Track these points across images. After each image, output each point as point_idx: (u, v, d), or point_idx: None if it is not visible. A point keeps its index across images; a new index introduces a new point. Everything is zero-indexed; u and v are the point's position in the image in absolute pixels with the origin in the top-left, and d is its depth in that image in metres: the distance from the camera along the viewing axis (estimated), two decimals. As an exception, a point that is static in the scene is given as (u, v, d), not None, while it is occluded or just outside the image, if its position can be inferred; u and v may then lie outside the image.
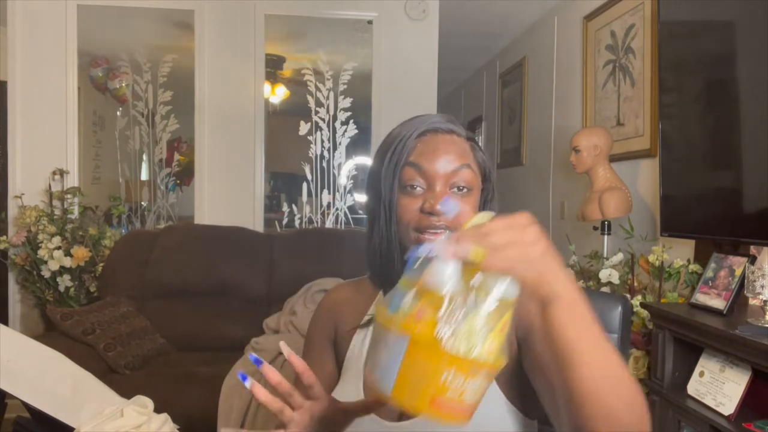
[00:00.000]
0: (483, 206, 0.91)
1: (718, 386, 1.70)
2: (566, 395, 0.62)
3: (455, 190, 0.85)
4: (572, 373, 0.60)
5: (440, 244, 0.56)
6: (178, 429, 0.93)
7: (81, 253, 3.04)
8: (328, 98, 3.55)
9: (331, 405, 0.79)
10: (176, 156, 3.56)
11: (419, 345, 0.54)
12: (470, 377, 0.54)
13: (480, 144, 0.93)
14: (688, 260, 2.19)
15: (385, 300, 0.60)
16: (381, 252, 0.89)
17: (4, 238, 3.10)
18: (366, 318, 0.96)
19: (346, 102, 3.56)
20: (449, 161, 0.85)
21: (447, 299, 0.55)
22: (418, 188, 0.85)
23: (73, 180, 3.36)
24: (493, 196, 0.93)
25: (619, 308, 0.90)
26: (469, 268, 0.56)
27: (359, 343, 0.94)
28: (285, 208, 3.65)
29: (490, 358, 0.54)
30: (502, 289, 0.56)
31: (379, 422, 0.86)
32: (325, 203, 3.58)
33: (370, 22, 3.57)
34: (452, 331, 0.53)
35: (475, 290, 0.55)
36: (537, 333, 0.79)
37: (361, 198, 3.67)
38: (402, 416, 0.86)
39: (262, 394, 0.74)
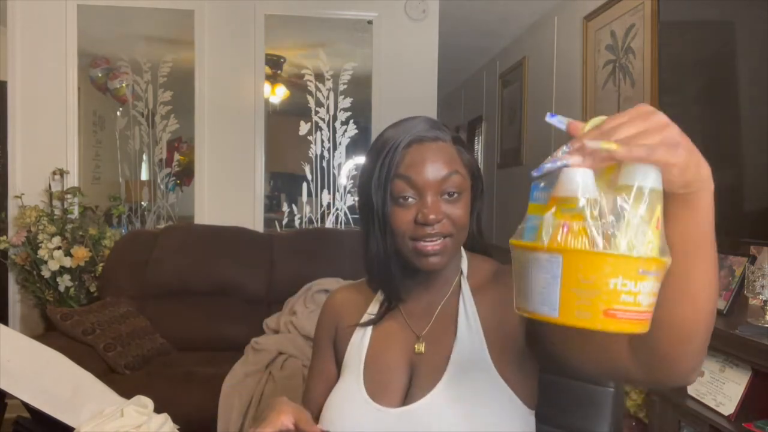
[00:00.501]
0: (472, 204, 0.93)
1: (718, 386, 1.71)
2: (682, 288, 0.60)
3: (446, 196, 0.86)
4: (701, 264, 0.59)
5: (565, 153, 0.53)
6: (178, 429, 0.93)
7: (81, 253, 3.04)
8: (328, 98, 3.55)
9: None
10: (176, 156, 3.56)
11: (576, 257, 0.50)
12: (640, 278, 0.50)
13: (467, 141, 0.94)
14: (688, 260, 2.19)
15: (518, 232, 0.56)
16: (378, 262, 0.91)
17: (4, 238, 3.10)
18: (366, 317, 0.98)
19: (346, 102, 3.56)
20: (438, 170, 0.85)
21: (590, 204, 0.51)
22: (410, 199, 0.86)
23: (73, 180, 3.36)
24: (482, 193, 0.95)
25: None
26: (603, 170, 0.52)
27: (358, 340, 0.96)
28: (285, 208, 3.65)
29: (655, 253, 0.51)
30: (650, 179, 0.52)
31: (381, 410, 0.88)
32: (325, 203, 3.58)
33: (370, 22, 3.56)
34: (604, 233, 0.50)
35: (618, 188, 0.52)
36: None
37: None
38: (404, 401, 0.88)
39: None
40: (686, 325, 0.63)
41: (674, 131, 0.53)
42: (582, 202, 0.51)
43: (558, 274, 0.51)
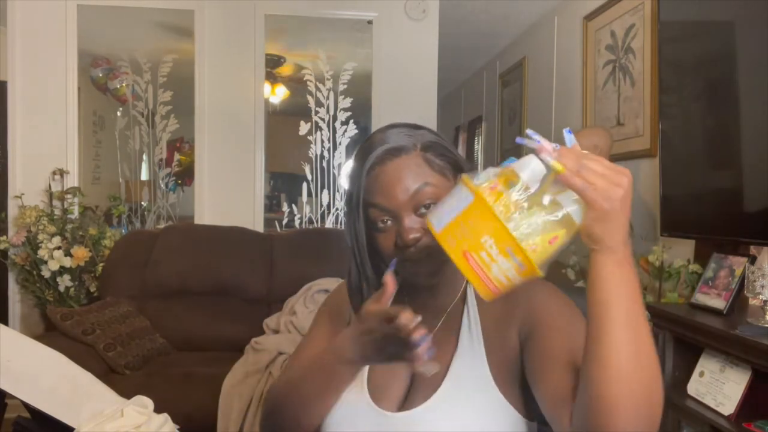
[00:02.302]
0: None
1: (718, 386, 1.70)
2: (592, 352, 0.65)
3: (423, 209, 0.83)
4: (604, 328, 0.63)
5: (544, 142, 0.63)
6: (178, 429, 0.93)
7: (81, 253, 3.04)
8: (328, 98, 3.55)
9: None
10: (177, 156, 3.56)
11: (478, 205, 0.62)
12: (503, 254, 0.61)
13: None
14: (688, 260, 2.19)
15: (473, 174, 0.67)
16: (354, 286, 0.91)
17: (4, 238, 3.10)
18: None
19: (346, 102, 3.56)
20: (405, 188, 0.82)
21: (521, 183, 0.62)
22: (389, 222, 0.85)
23: (73, 180, 3.36)
24: None
25: None
26: (556, 176, 0.61)
27: None
28: (285, 208, 3.65)
29: (527, 249, 0.60)
30: (571, 207, 0.62)
31: (379, 412, 0.87)
32: (325, 203, 3.58)
33: (370, 22, 3.56)
34: (510, 207, 0.61)
35: (549, 194, 0.62)
36: (543, 328, 0.81)
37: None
38: (402, 406, 0.88)
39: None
40: (602, 392, 0.63)
41: (620, 192, 0.62)
42: (518, 181, 0.62)
43: (460, 208, 0.64)
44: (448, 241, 0.64)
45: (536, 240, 0.60)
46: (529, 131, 0.65)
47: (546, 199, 0.62)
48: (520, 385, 0.86)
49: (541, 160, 0.62)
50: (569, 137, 0.67)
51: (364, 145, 0.88)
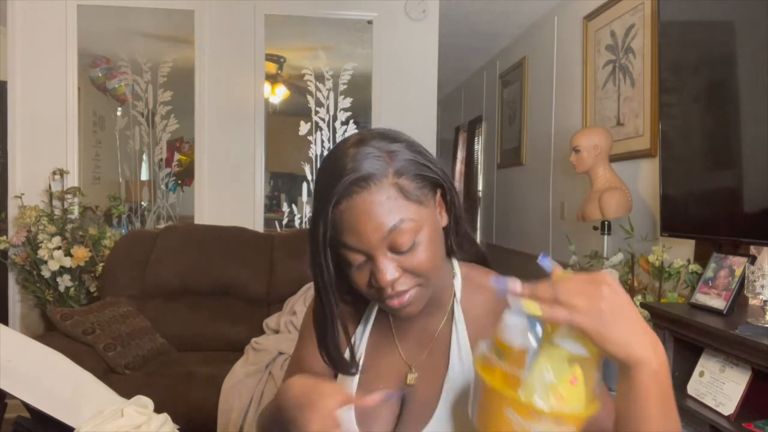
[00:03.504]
0: (453, 226, 0.83)
1: (718, 386, 1.70)
2: None
3: (402, 249, 0.73)
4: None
5: (556, 267, 0.63)
6: (178, 429, 0.93)
7: (81, 253, 3.04)
8: (328, 98, 3.55)
9: None
10: (177, 156, 3.56)
11: (487, 388, 0.62)
12: (532, 419, 0.59)
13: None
14: (688, 260, 2.19)
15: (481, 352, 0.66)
16: (319, 325, 0.84)
17: (4, 238, 3.10)
18: (365, 315, 0.93)
19: (346, 102, 3.56)
20: (378, 226, 0.72)
21: (514, 348, 0.61)
22: (362, 259, 0.75)
23: (73, 180, 3.36)
24: (455, 203, 0.82)
25: None
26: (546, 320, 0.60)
27: (359, 338, 0.91)
28: (285, 208, 3.65)
29: (549, 406, 0.58)
30: (569, 342, 0.60)
31: None
32: (325, 203, 3.58)
33: (370, 22, 3.56)
34: (512, 376, 0.60)
35: (544, 342, 0.60)
36: None
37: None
38: None
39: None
40: None
41: (609, 305, 0.57)
42: (509, 349, 0.61)
43: (479, 392, 0.64)
44: (484, 427, 0.63)
45: (556, 390, 0.59)
46: (541, 258, 0.63)
47: (538, 350, 0.60)
48: None
49: (517, 306, 0.61)
50: (546, 263, 0.64)
51: (328, 166, 0.75)
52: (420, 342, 0.86)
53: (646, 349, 0.59)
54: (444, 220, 0.81)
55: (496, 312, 0.78)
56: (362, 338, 0.90)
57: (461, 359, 0.82)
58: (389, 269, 0.74)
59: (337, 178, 0.72)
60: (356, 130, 3.56)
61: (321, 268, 0.77)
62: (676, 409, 0.62)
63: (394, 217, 0.72)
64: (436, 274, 0.78)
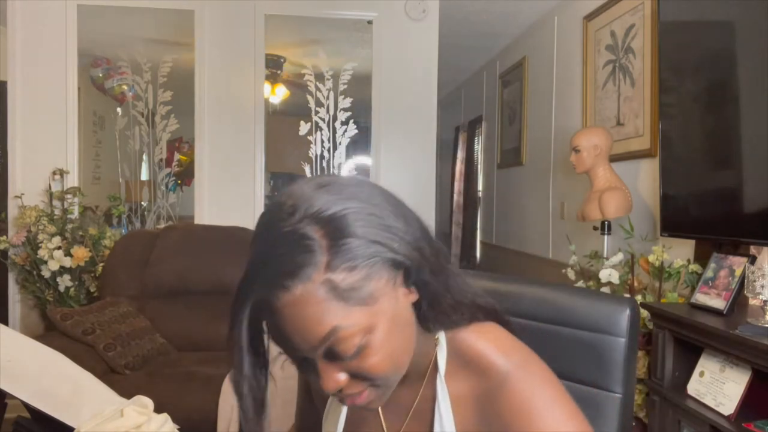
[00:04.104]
0: (427, 305, 0.66)
1: (718, 386, 1.70)
2: None
3: (344, 356, 0.59)
4: None
5: None
6: (178, 429, 0.93)
7: (81, 253, 3.04)
8: (328, 98, 3.55)
9: None
10: (177, 156, 3.56)
11: None
12: None
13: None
14: (688, 260, 2.19)
15: None
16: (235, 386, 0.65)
17: (4, 238, 3.10)
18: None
19: (346, 102, 3.56)
20: (304, 340, 0.58)
21: None
22: (301, 358, 0.63)
23: (73, 180, 3.36)
24: (434, 270, 0.64)
25: (627, 312, 0.87)
26: None
27: (333, 419, 0.83)
28: (285, 208, 3.64)
29: None
30: None
31: None
32: (325, 203, 3.57)
33: (370, 22, 3.57)
34: None
35: None
36: None
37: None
38: None
39: None
40: None
41: None
42: None
43: None
44: None
45: None
46: None
47: None
48: None
49: None
50: None
51: (255, 241, 0.61)
52: (401, 411, 0.74)
53: None
54: (413, 297, 0.64)
55: (487, 397, 0.67)
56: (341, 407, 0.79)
57: None
58: (331, 377, 0.60)
59: (258, 266, 0.59)
60: (356, 130, 3.56)
61: (236, 322, 0.60)
62: None
63: (326, 326, 0.57)
64: (397, 371, 0.64)
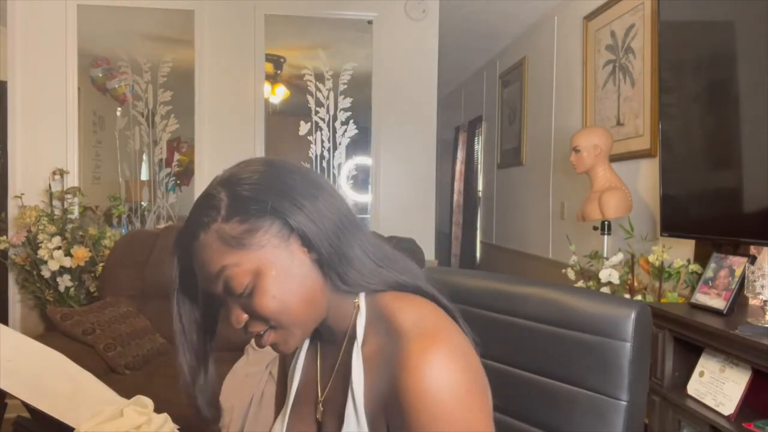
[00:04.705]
0: (327, 260, 0.73)
1: (718, 386, 1.70)
2: None
3: (240, 299, 0.72)
4: None
5: None
6: (178, 429, 0.93)
7: (81, 253, 3.04)
8: (328, 98, 3.56)
9: None
10: (176, 156, 3.56)
11: None
12: None
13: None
14: (688, 260, 2.19)
15: None
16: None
17: (4, 238, 3.10)
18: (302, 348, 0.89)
19: (346, 102, 3.56)
20: (206, 277, 0.73)
21: None
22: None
23: (73, 180, 3.36)
24: (333, 237, 0.73)
25: (633, 315, 0.83)
26: None
27: (291, 375, 0.88)
28: (285, 208, 3.64)
29: None
30: None
31: None
32: (325, 203, 3.57)
33: (370, 22, 3.57)
34: None
35: None
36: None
37: (361, 198, 3.67)
38: None
39: None
40: None
41: None
42: None
43: None
44: None
45: None
46: None
47: None
48: None
49: None
50: None
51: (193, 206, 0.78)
52: (329, 374, 0.81)
53: None
54: (312, 256, 0.73)
55: (390, 354, 0.70)
56: (298, 361, 0.86)
57: (356, 413, 0.72)
58: (234, 313, 0.73)
59: (186, 220, 0.77)
60: (356, 130, 3.57)
61: (177, 304, 0.83)
62: None
63: (217, 265, 0.71)
64: (291, 317, 0.72)
